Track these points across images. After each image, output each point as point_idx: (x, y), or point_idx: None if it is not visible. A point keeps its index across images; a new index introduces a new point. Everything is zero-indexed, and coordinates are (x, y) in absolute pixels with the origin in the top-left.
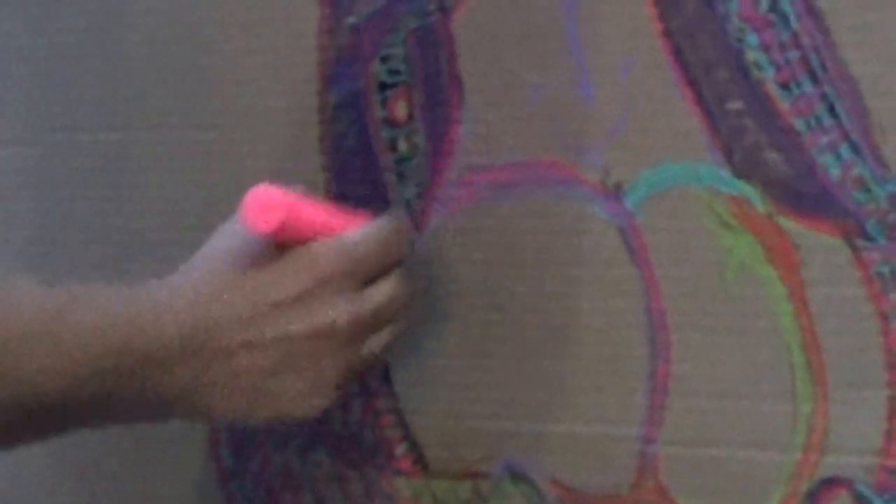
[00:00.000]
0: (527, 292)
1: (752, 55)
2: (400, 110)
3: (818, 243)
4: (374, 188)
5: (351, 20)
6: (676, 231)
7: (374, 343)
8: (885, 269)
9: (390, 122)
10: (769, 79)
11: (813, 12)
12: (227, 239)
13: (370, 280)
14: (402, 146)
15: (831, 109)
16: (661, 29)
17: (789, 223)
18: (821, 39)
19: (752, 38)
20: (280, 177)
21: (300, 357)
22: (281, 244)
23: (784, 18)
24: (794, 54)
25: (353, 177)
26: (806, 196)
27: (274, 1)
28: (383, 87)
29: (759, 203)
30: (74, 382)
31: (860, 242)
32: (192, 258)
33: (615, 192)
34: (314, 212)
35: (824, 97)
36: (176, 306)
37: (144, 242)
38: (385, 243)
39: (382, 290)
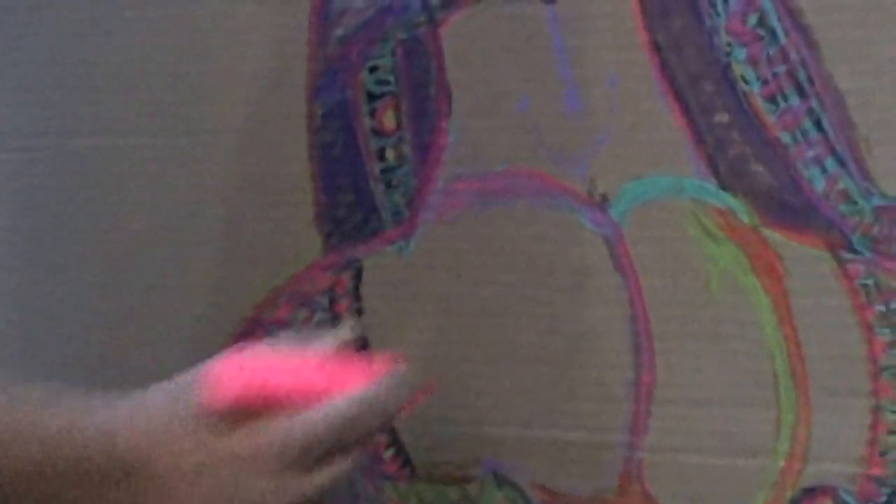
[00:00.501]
0: (512, 300)
1: (738, 69)
2: (388, 120)
3: (803, 255)
4: (362, 197)
5: (339, 32)
6: (661, 241)
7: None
8: (870, 281)
9: (378, 132)
10: (756, 92)
11: (800, 27)
12: (188, 387)
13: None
14: (390, 155)
15: (817, 123)
16: (648, 41)
17: (774, 235)
18: (808, 53)
19: (740, 52)
20: (269, 186)
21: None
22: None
23: (772, 33)
24: (781, 68)
25: (342, 186)
26: (791, 208)
27: (263, 11)
28: (371, 97)
29: (745, 215)
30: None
31: (845, 254)
32: (147, 391)
33: (601, 203)
34: (278, 384)
35: (811, 111)
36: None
37: (132, 248)
38: (349, 425)
39: (324, 476)
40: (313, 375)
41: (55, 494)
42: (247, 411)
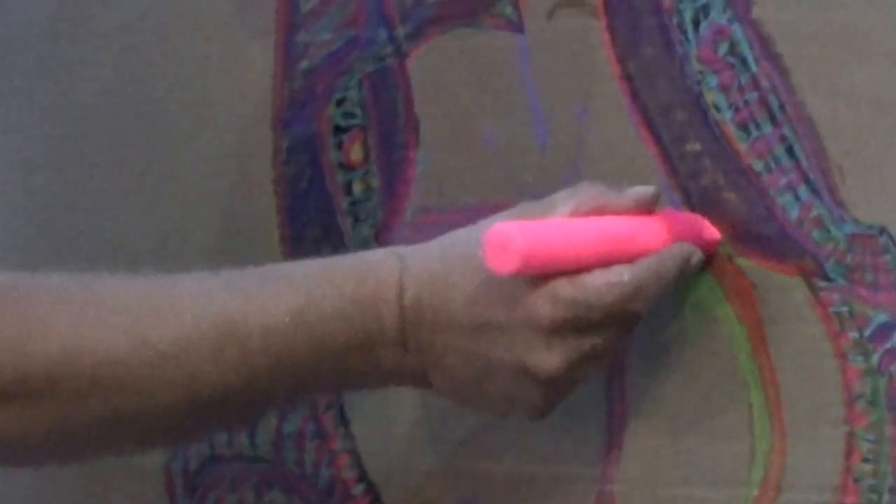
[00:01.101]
0: None
1: (710, 97)
2: (355, 153)
3: (776, 283)
4: (329, 231)
5: (305, 64)
6: None
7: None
8: (844, 309)
9: (345, 165)
10: (728, 120)
11: (771, 55)
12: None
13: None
14: (358, 188)
15: (790, 150)
16: (619, 72)
17: (748, 263)
18: (779, 81)
19: (712, 80)
20: (234, 219)
21: (499, 380)
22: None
23: (743, 61)
24: (752, 96)
25: (308, 219)
26: (764, 236)
27: (228, 45)
28: (338, 130)
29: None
30: (278, 377)
31: (819, 282)
32: (424, 245)
33: None
34: (563, 247)
35: (783, 138)
36: (399, 291)
37: None
38: (626, 298)
39: (598, 348)
40: (604, 234)
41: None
42: (534, 274)
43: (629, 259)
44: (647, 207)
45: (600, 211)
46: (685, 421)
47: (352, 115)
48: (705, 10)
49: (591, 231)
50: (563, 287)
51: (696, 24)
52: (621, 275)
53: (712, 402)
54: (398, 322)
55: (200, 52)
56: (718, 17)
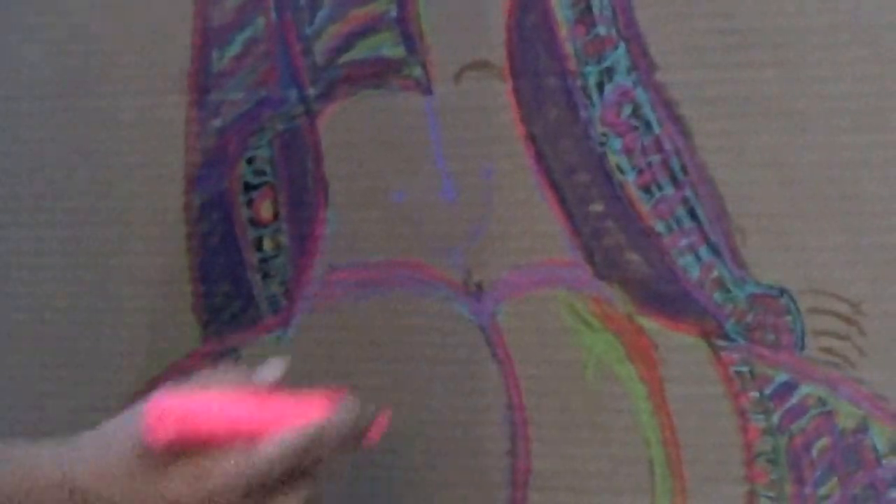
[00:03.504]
0: (389, 389)
1: (614, 159)
2: (265, 210)
3: (678, 342)
4: (240, 286)
5: (217, 123)
6: (537, 330)
7: None
8: (744, 368)
9: (255, 222)
10: (631, 182)
11: (675, 118)
12: (130, 426)
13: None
14: (268, 245)
15: (692, 212)
16: (524, 133)
17: (649, 322)
18: (682, 143)
19: (615, 142)
20: (146, 275)
21: None
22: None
23: (646, 123)
24: (655, 158)
25: (219, 275)
26: (666, 296)
27: (142, 102)
28: (249, 187)
29: (620, 303)
30: None
31: (719, 342)
32: (96, 430)
33: (477, 292)
34: (223, 417)
35: (685, 200)
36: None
37: (7, 340)
38: (297, 457)
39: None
40: (256, 410)
41: None
42: (190, 449)
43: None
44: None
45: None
46: (588, 478)
47: (262, 173)
48: (609, 73)
49: (244, 404)
50: (237, 466)
51: (601, 87)
52: (289, 436)
53: (614, 460)
54: None
55: (115, 108)
56: (623, 79)
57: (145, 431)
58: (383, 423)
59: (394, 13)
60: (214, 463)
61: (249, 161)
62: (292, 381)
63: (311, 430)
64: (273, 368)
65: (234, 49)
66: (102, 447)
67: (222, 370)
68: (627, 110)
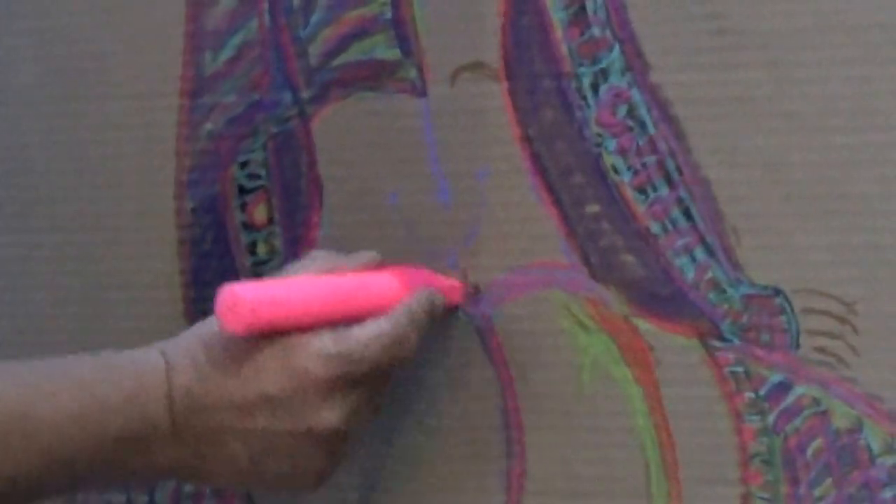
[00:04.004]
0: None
1: (609, 159)
2: (259, 214)
3: (673, 344)
4: None
5: (209, 126)
6: (533, 332)
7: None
8: (739, 369)
9: (249, 226)
10: (626, 182)
11: (669, 118)
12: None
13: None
14: (261, 249)
15: (686, 213)
16: (520, 135)
17: (645, 324)
18: (676, 144)
19: (610, 143)
20: (137, 280)
21: (282, 451)
22: (275, 332)
23: (641, 124)
24: (650, 159)
25: (211, 281)
26: (661, 297)
27: (132, 107)
28: (242, 191)
29: (616, 304)
30: (53, 469)
31: (714, 343)
32: (182, 334)
33: (473, 294)
34: (297, 302)
35: (679, 201)
36: (167, 387)
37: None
38: (384, 349)
39: (370, 395)
40: (343, 294)
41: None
42: (274, 335)
43: (367, 312)
44: (372, 269)
45: (332, 271)
46: (583, 481)
47: (256, 177)
48: (604, 74)
49: (326, 286)
50: (328, 345)
51: (596, 88)
52: (381, 327)
53: (610, 462)
54: (168, 418)
55: (104, 112)
56: (617, 80)
57: (220, 321)
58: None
59: (388, 15)
60: (302, 345)
61: (243, 165)
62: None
63: (401, 316)
64: (366, 255)
65: (227, 52)
66: (188, 348)
67: (311, 256)
68: (622, 111)
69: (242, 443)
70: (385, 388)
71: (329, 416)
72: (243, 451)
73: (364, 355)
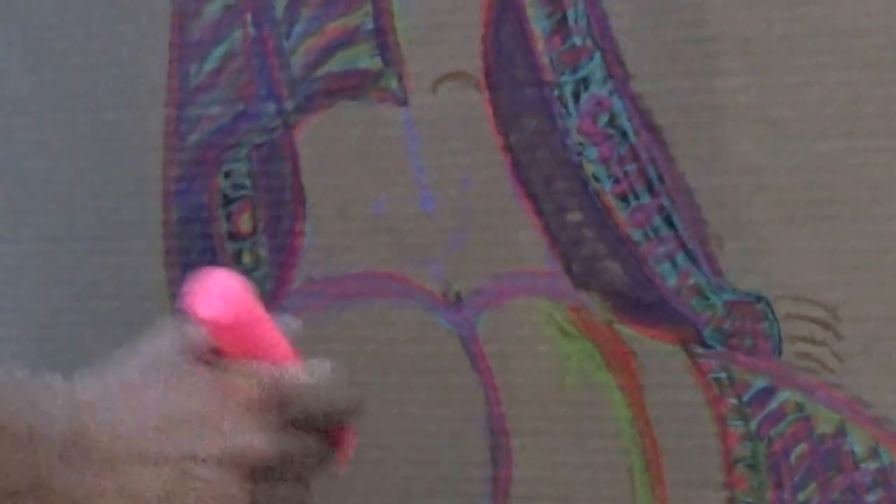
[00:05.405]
0: (369, 399)
1: (590, 168)
2: (244, 223)
3: (656, 350)
4: None
5: (195, 137)
6: (516, 339)
7: (289, 493)
8: (723, 375)
9: (234, 235)
10: (607, 190)
11: (651, 126)
12: (159, 340)
13: (297, 425)
14: (247, 258)
15: (668, 220)
16: (502, 143)
17: (627, 330)
18: (658, 152)
19: (592, 152)
20: (124, 290)
21: (198, 486)
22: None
23: (622, 132)
24: (631, 167)
25: None
26: (644, 304)
27: (120, 116)
28: (227, 200)
29: (599, 311)
30: None
31: (697, 349)
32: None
33: (456, 302)
34: (267, 330)
35: (661, 208)
36: (60, 411)
37: None
38: (331, 393)
39: (306, 441)
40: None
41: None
42: (230, 342)
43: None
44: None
45: None
46: (568, 486)
47: (241, 186)
48: (585, 82)
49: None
50: (266, 369)
51: (577, 96)
52: (321, 368)
53: (594, 467)
54: (59, 454)
55: (91, 123)
56: (598, 89)
57: (194, 302)
58: (353, 441)
59: (370, 25)
60: (239, 366)
61: (227, 174)
62: None
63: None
64: (292, 321)
65: (212, 63)
66: (119, 375)
67: None
68: (603, 119)
69: (152, 475)
70: (323, 445)
71: (259, 440)
72: (152, 483)
73: (301, 386)
